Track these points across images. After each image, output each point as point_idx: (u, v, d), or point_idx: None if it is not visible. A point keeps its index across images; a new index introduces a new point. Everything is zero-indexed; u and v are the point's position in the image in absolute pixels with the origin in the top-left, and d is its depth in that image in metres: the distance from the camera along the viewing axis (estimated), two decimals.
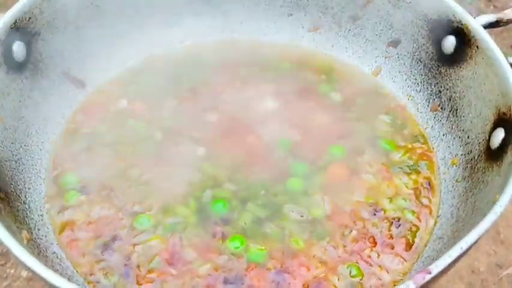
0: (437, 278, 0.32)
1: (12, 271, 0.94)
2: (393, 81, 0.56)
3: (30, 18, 0.47)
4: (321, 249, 0.43)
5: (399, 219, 0.45)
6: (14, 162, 0.44)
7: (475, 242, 0.33)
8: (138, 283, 0.41)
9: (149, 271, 0.41)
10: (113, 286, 0.40)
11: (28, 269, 0.32)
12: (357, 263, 0.42)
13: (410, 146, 0.51)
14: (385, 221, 0.45)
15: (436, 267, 0.31)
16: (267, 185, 0.46)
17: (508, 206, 1.03)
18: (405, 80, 0.55)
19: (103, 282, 0.41)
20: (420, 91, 0.54)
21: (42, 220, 0.44)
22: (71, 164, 0.48)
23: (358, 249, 0.43)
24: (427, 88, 0.53)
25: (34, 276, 0.41)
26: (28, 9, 0.46)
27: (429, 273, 0.31)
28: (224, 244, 0.43)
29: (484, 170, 0.44)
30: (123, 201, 0.45)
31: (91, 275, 0.41)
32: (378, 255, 0.43)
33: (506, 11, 0.51)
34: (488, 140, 0.44)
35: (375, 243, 0.43)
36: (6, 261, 0.96)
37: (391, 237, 0.44)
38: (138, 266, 0.41)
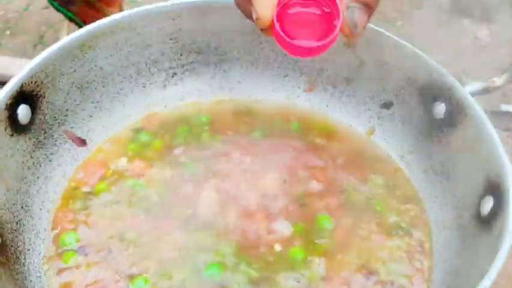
0: None
1: None
2: (387, 142, 0.58)
3: (36, 82, 0.48)
4: None
5: (392, 283, 0.46)
6: (15, 224, 0.45)
7: None
8: None
9: None
10: None
11: None
12: None
13: (402, 207, 0.52)
14: (379, 285, 0.46)
15: None
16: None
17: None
18: (398, 141, 0.57)
19: None
20: (412, 153, 0.56)
21: (40, 282, 0.44)
22: (70, 223, 0.49)
23: None
24: (419, 150, 0.55)
25: None
26: (34, 73, 0.48)
27: None
28: None
29: (474, 237, 0.45)
30: (120, 263, 0.46)
31: None
32: None
33: (494, 79, 0.54)
34: (479, 206, 0.45)
35: None
36: None
37: None
38: None
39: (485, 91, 0.52)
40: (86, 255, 0.46)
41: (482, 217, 0.44)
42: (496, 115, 1.12)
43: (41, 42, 1.42)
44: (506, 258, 0.37)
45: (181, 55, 0.59)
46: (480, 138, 0.47)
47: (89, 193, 0.51)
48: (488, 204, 0.44)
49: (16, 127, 0.47)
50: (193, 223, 0.49)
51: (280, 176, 0.54)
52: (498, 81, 0.52)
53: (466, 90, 0.50)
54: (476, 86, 0.51)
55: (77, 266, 0.46)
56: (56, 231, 0.48)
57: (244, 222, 0.49)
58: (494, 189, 0.44)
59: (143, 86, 0.59)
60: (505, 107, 1.20)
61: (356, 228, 0.50)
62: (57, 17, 1.47)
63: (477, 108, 0.48)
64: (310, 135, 0.59)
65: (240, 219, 0.50)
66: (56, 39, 0.48)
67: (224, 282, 0.45)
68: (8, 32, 1.48)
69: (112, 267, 0.46)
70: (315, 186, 0.53)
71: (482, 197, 0.45)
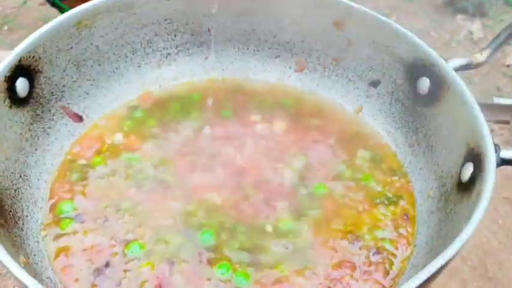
0: None
1: None
2: (374, 119, 0.60)
3: (34, 56, 0.50)
4: (303, 277, 0.45)
5: (377, 248, 0.48)
6: (13, 191, 0.47)
7: (442, 267, 0.36)
8: None
9: None
10: None
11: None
12: None
13: (388, 179, 0.54)
14: (364, 249, 0.47)
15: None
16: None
17: (494, 243, 1.04)
18: (385, 117, 0.59)
19: None
20: (398, 128, 0.58)
21: (38, 246, 0.46)
22: (66, 193, 0.50)
23: (338, 277, 0.45)
24: (405, 125, 0.57)
25: None
26: (33, 48, 0.50)
27: None
28: (212, 271, 0.45)
29: (455, 202, 0.47)
30: (116, 230, 0.47)
31: None
32: (357, 281, 0.45)
33: (476, 55, 0.56)
34: (460, 174, 0.47)
35: (354, 270, 0.46)
36: None
37: (370, 265, 0.46)
38: None
39: (468, 67, 0.54)
40: (82, 222, 0.48)
41: (463, 183, 0.46)
42: (489, 108, 1.14)
43: None
44: (483, 214, 0.39)
45: (175, 36, 0.61)
46: (462, 110, 0.49)
47: (85, 165, 0.53)
48: (468, 171, 0.46)
49: (15, 99, 0.49)
50: (187, 195, 0.51)
51: (273, 152, 0.56)
52: (480, 57, 0.54)
53: (449, 66, 0.52)
54: (459, 61, 0.53)
55: (74, 233, 0.47)
56: (53, 200, 0.50)
57: (237, 193, 0.51)
58: (474, 156, 0.46)
59: (138, 66, 0.61)
60: (498, 100, 1.22)
61: (343, 199, 0.51)
62: (54, 13, 1.49)
63: (459, 82, 0.50)
64: (302, 114, 0.60)
65: (234, 191, 0.51)
66: None
67: (217, 248, 0.46)
68: (5, 28, 1.49)
69: (108, 233, 0.47)
70: (304, 161, 0.55)
71: (462, 164, 0.47)
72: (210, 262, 0.46)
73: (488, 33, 1.42)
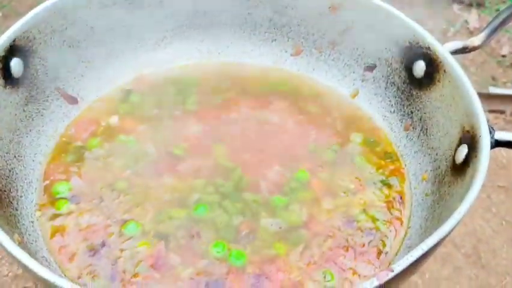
0: (400, 277, 0.35)
1: None
2: (370, 103, 0.60)
3: (28, 37, 0.50)
4: (298, 256, 0.45)
5: (371, 230, 0.48)
6: (8, 171, 0.47)
7: (435, 245, 0.36)
8: (123, 286, 0.43)
9: (135, 275, 0.43)
10: None
11: (21, 264, 0.34)
12: (331, 269, 0.45)
13: (383, 162, 0.54)
14: (358, 230, 0.48)
15: (398, 266, 0.34)
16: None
17: (487, 231, 1.04)
18: (381, 101, 0.59)
19: (90, 285, 0.43)
20: (394, 112, 0.58)
21: (32, 226, 0.46)
22: (62, 175, 0.50)
23: (333, 256, 0.46)
24: (400, 109, 0.57)
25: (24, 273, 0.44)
26: (27, 28, 0.50)
27: (392, 271, 0.34)
28: (207, 249, 0.45)
29: (449, 184, 0.47)
30: (112, 210, 0.48)
31: (78, 278, 0.43)
32: (351, 261, 0.45)
33: (472, 39, 0.56)
34: (454, 156, 0.48)
35: (348, 250, 0.46)
36: None
37: (363, 245, 0.47)
38: (124, 271, 0.44)
39: (463, 50, 0.54)
40: (78, 203, 0.48)
41: (457, 165, 0.47)
42: (484, 97, 1.14)
43: None
44: (477, 194, 0.39)
45: (171, 18, 0.61)
46: (457, 93, 0.49)
47: (81, 147, 0.53)
48: (462, 152, 0.46)
49: (9, 80, 0.48)
50: (182, 175, 0.51)
51: (266, 136, 0.56)
52: (476, 40, 0.54)
53: (445, 49, 0.52)
54: (454, 44, 0.53)
55: (70, 213, 0.47)
56: (48, 181, 0.50)
57: (229, 175, 0.51)
58: (468, 138, 0.46)
59: (134, 48, 0.60)
60: (493, 90, 1.22)
61: (338, 180, 0.51)
62: None
63: (455, 64, 0.50)
64: (297, 99, 0.60)
65: (227, 172, 0.51)
66: None
67: (211, 227, 0.47)
68: (0, 14, 1.49)
69: (104, 213, 0.47)
70: (300, 145, 0.55)
71: (457, 147, 0.47)
72: (205, 240, 0.46)
73: (484, 23, 1.42)
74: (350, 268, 0.45)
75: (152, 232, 0.46)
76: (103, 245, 0.45)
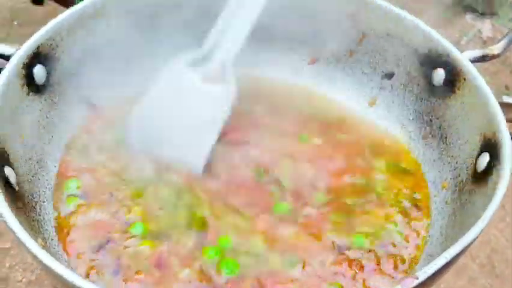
0: (424, 285, 0.35)
1: None
2: (388, 111, 0.60)
3: (51, 44, 0.51)
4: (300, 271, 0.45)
5: (390, 243, 0.48)
6: (30, 177, 0.47)
7: (459, 254, 0.36)
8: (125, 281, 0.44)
9: (137, 272, 0.44)
10: (104, 284, 0.43)
11: (49, 270, 0.34)
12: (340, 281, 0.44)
13: (402, 170, 0.54)
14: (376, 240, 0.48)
15: (423, 274, 0.34)
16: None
17: (501, 240, 1.04)
18: (399, 109, 0.59)
19: (97, 282, 0.43)
20: (412, 120, 0.58)
21: (55, 231, 0.46)
22: (73, 172, 0.51)
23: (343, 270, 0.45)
24: (419, 117, 0.57)
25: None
26: (50, 35, 0.50)
27: (417, 278, 0.33)
28: (202, 256, 0.46)
29: (470, 192, 0.47)
30: (119, 207, 0.48)
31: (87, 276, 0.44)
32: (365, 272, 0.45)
33: (492, 47, 0.55)
34: (475, 164, 0.47)
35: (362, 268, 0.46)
36: (6, 286, 0.97)
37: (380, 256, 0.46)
38: (127, 267, 0.44)
39: (483, 58, 0.54)
40: (87, 198, 0.49)
41: (478, 173, 0.46)
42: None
43: None
44: (500, 202, 0.39)
45: (187, 25, 0.61)
46: (478, 101, 0.49)
47: (95, 148, 0.53)
48: (484, 160, 0.46)
49: (32, 86, 0.49)
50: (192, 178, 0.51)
51: (281, 149, 0.56)
52: (496, 49, 0.54)
53: (465, 57, 0.52)
54: (474, 53, 0.53)
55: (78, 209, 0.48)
56: (61, 179, 0.50)
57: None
58: (490, 146, 0.46)
59: (152, 56, 0.61)
60: (507, 99, 1.21)
61: (353, 197, 0.51)
62: (65, 8, 1.50)
63: (475, 73, 0.50)
64: (314, 107, 0.60)
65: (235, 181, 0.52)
66: None
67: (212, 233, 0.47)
68: (15, 23, 1.51)
69: (111, 211, 0.48)
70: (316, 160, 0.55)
71: (478, 155, 0.47)
72: (203, 245, 0.46)
73: (497, 33, 1.42)
74: (362, 278, 0.45)
75: (155, 232, 0.47)
76: (108, 241, 0.46)
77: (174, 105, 0.54)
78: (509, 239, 1.04)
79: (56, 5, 1.52)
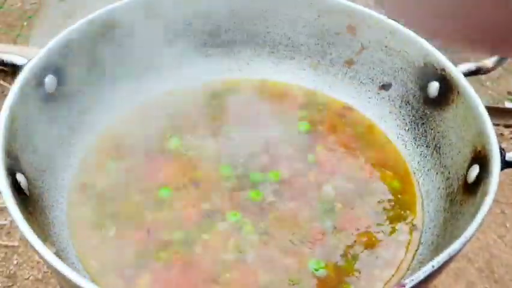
0: None
1: None
2: (385, 121, 0.62)
3: (61, 54, 0.53)
4: None
5: (382, 247, 0.50)
6: (40, 182, 0.50)
7: (446, 262, 0.38)
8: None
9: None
10: None
11: (59, 274, 0.36)
12: None
13: (396, 179, 0.56)
14: (368, 246, 0.50)
15: (411, 282, 0.36)
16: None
17: (501, 245, 1.05)
18: (395, 119, 0.61)
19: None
20: (408, 130, 0.60)
21: (63, 235, 0.48)
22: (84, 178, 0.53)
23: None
24: (414, 128, 0.59)
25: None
26: (60, 47, 0.53)
27: (404, 286, 0.35)
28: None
29: (461, 203, 0.49)
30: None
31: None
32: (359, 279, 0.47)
33: (485, 61, 0.57)
34: (466, 175, 0.49)
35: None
36: (13, 284, 1.00)
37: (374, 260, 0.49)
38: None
39: (477, 72, 0.56)
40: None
41: (469, 184, 0.48)
42: (500, 112, 1.15)
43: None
44: (486, 213, 0.41)
45: (193, 37, 0.64)
46: (470, 114, 0.51)
47: (112, 158, 0.56)
48: (474, 172, 0.48)
49: (43, 96, 0.51)
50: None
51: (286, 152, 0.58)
52: (489, 62, 0.56)
53: (459, 71, 0.54)
54: (468, 66, 0.55)
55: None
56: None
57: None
58: (480, 158, 0.48)
59: (159, 66, 0.63)
60: (509, 104, 1.23)
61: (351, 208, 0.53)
62: (73, 9, 1.52)
63: (468, 86, 0.52)
64: (313, 116, 0.62)
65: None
66: None
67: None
68: (25, 23, 1.53)
69: None
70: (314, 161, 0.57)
71: (469, 166, 0.49)
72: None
73: None
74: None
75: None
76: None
77: None
78: (508, 244, 1.06)
79: (65, 6, 1.54)
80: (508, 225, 1.09)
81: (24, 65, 0.50)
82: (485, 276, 1.02)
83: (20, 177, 0.45)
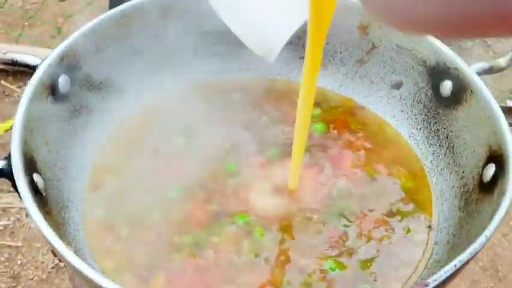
0: None
1: None
2: (396, 120, 0.62)
3: (74, 55, 0.53)
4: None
5: (398, 249, 0.50)
6: (55, 182, 0.49)
7: (467, 261, 0.38)
8: None
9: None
10: None
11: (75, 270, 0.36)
12: None
13: (410, 178, 0.56)
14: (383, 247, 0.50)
15: (433, 281, 0.36)
16: None
17: (505, 244, 1.05)
18: (407, 119, 0.61)
19: None
20: (420, 129, 0.60)
21: (78, 235, 0.48)
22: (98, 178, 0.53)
23: None
24: (427, 127, 0.59)
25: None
26: (73, 47, 0.52)
27: (427, 285, 0.35)
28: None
29: (477, 202, 0.49)
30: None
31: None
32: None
33: (498, 60, 0.57)
34: (481, 174, 0.49)
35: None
36: (17, 284, 0.99)
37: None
38: None
39: (490, 71, 0.56)
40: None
41: (484, 183, 0.48)
42: (503, 111, 1.15)
43: (58, 33, 1.46)
44: (506, 212, 0.41)
45: (204, 35, 0.63)
46: (484, 113, 0.51)
47: (124, 157, 0.56)
48: (490, 171, 0.48)
49: (57, 95, 0.51)
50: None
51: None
52: (503, 61, 0.56)
53: (472, 70, 0.54)
54: (481, 65, 0.55)
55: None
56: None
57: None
58: (496, 157, 0.48)
59: (169, 65, 0.63)
60: (511, 103, 1.23)
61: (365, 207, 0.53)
62: (74, 9, 1.52)
63: (482, 85, 0.52)
64: (325, 115, 0.62)
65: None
66: (74, 31, 0.53)
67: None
68: (26, 23, 1.53)
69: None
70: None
71: (484, 165, 0.49)
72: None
73: (504, 44, 1.44)
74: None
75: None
76: None
77: None
78: None
79: (64, 5, 1.54)
80: (511, 224, 1.09)
81: (38, 65, 0.50)
82: (489, 275, 1.03)
83: (36, 177, 0.44)
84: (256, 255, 0.48)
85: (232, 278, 0.46)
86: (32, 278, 0.99)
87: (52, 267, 1.01)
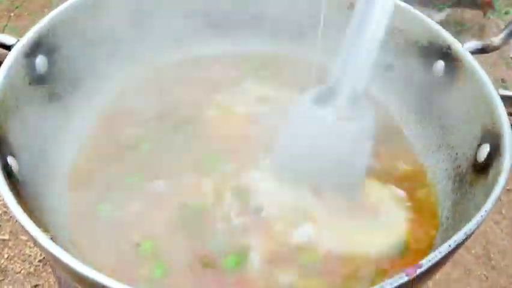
0: (428, 273, 0.35)
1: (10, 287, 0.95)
2: (390, 102, 0.60)
3: (52, 34, 0.51)
4: None
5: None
6: (33, 167, 0.47)
7: (462, 242, 0.37)
8: None
9: None
10: None
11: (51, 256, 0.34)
12: None
13: (403, 160, 0.54)
14: None
15: (427, 262, 0.34)
16: None
17: (497, 232, 1.05)
18: (400, 100, 0.59)
19: None
20: (412, 111, 0.58)
21: (57, 222, 0.46)
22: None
23: None
24: (420, 108, 0.57)
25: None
26: (51, 26, 0.50)
27: (421, 267, 0.34)
28: None
29: (471, 183, 0.47)
30: None
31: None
32: None
33: (492, 38, 0.56)
34: (475, 155, 0.48)
35: None
36: (4, 278, 0.97)
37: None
38: None
39: (484, 50, 0.54)
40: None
41: (479, 164, 0.47)
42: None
43: None
44: (501, 192, 0.40)
45: (190, 18, 0.62)
46: (478, 92, 0.49)
47: (107, 144, 0.54)
48: (484, 151, 0.46)
49: (34, 76, 0.49)
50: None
51: None
52: (496, 40, 0.54)
53: (465, 48, 0.52)
54: (474, 44, 0.54)
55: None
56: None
57: None
58: (490, 137, 0.46)
59: (152, 47, 0.61)
60: (503, 92, 1.22)
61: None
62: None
63: (475, 64, 0.51)
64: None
65: None
66: None
67: None
68: (12, 14, 1.50)
69: None
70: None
71: (478, 146, 0.48)
72: None
73: (493, 25, 1.43)
74: None
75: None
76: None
77: (315, 144, 0.49)
78: (505, 230, 1.05)
79: None
80: (503, 211, 1.08)
81: (14, 44, 0.47)
82: (482, 263, 1.02)
83: (11, 160, 0.42)
84: None
85: None
86: (20, 272, 0.97)
87: (39, 261, 0.99)
